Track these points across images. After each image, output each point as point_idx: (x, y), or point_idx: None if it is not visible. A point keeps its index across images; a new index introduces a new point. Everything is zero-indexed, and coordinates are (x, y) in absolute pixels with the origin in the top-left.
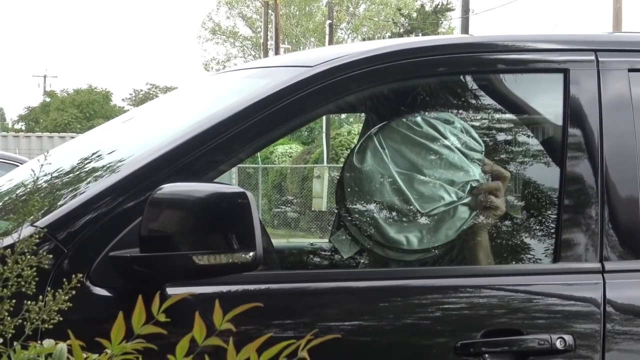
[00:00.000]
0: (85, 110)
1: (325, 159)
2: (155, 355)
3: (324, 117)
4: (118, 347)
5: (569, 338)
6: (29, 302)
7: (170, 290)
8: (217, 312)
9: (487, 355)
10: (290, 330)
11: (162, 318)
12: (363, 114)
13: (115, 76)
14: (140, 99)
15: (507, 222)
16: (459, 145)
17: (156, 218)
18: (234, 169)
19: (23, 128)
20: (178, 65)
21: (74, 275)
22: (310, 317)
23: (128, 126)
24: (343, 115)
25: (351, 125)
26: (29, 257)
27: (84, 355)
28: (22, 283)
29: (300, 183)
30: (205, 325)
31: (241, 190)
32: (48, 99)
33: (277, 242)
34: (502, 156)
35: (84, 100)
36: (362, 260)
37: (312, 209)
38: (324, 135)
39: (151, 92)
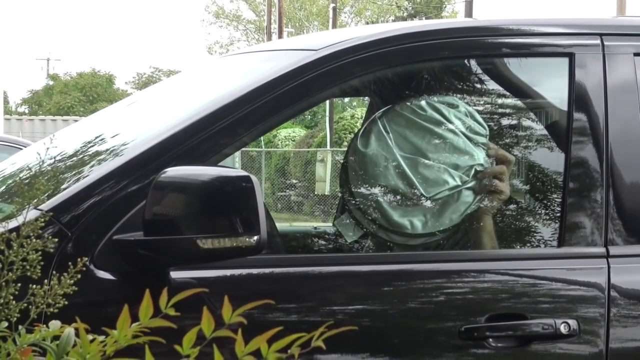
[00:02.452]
0: (88, 93)
1: (328, 143)
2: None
3: (327, 101)
4: (124, 339)
5: (573, 323)
6: (33, 286)
7: (174, 274)
8: (226, 307)
9: (491, 340)
10: (294, 314)
11: (171, 312)
12: (367, 97)
13: (119, 59)
14: (143, 82)
15: (512, 207)
16: (463, 129)
17: (160, 201)
18: (237, 153)
19: (26, 111)
20: (181, 48)
21: (79, 259)
22: (315, 301)
23: (132, 110)
24: (346, 99)
25: (354, 109)
26: (34, 240)
27: (90, 338)
28: (27, 267)
29: (304, 167)
30: (212, 312)
31: (245, 173)
32: (51, 82)
33: (281, 225)
34: (506, 140)
35: (87, 83)
36: (366, 244)
37: (315, 193)
38: (327, 119)
39: (154, 75)
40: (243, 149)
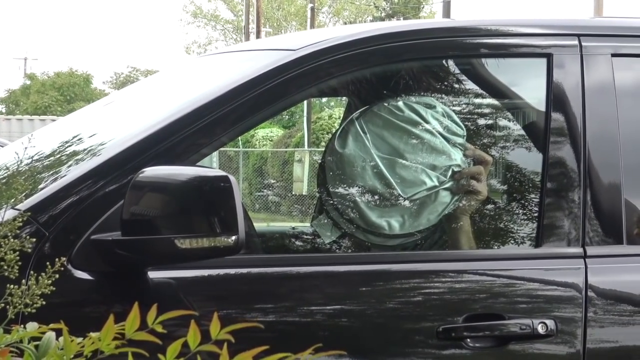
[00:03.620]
0: (65, 93)
1: (306, 143)
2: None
3: (305, 101)
4: (107, 348)
5: (550, 323)
6: (10, 286)
7: (152, 274)
8: (215, 323)
9: (469, 340)
10: (272, 314)
11: (158, 328)
12: (345, 98)
13: (96, 59)
14: (121, 82)
15: (489, 207)
16: (440, 130)
17: (138, 201)
18: (215, 153)
19: (3, 111)
20: (159, 48)
21: (57, 259)
22: (293, 301)
23: (110, 109)
24: (324, 100)
25: (332, 109)
26: (11, 240)
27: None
28: (5, 267)
29: (281, 167)
30: (193, 317)
31: (224, 173)
32: (28, 82)
33: (259, 225)
34: (484, 141)
35: (65, 83)
36: (343, 245)
37: (293, 193)
38: (305, 119)
39: (132, 75)
40: (221, 148)
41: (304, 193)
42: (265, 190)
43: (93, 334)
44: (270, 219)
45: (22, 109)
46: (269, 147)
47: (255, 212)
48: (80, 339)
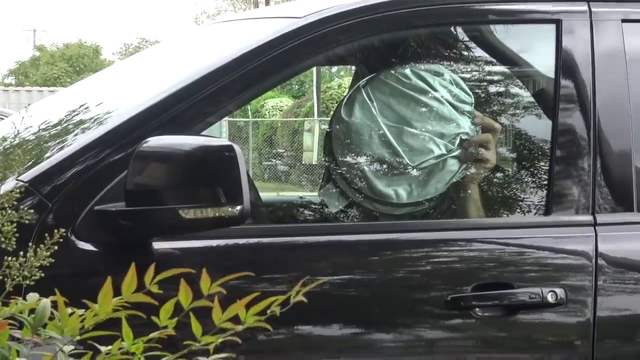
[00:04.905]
0: (75, 64)
1: (315, 113)
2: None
3: (315, 70)
4: (104, 311)
5: (560, 291)
6: (8, 258)
7: (156, 245)
8: (205, 279)
9: (477, 309)
10: (279, 284)
11: (154, 289)
12: (353, 66)
13: (106, 30)
14: (130, 52)
15: (498, 175)
16: (448, 98)
17: (142, 172)
18: (224, 123)
19: (13, 82)
20: (168, 19)
21: (55, 230)
22: (300, 271)
23: (115, 79)
24: (334, 69)
25: (342, 79)
26: (9, 211)
27: (69, 311)
28: (2, 239)
29: (291, 136)
30: (192, 283)
31: (228, 143)
32: (38, 53)
33: (267, 195)
34: (492, 108)
35: (74, 54)
36: (351, 214)
37: (303, 163)
38: (314, 88)
39: (141, 46)
40: (230, 118)
41: (313, 162)
42: (274, 160)
43: (94, 305)
44: (280, 188)
45: (32, 80)
46: (278, 117)
47: (265, 181)
48: (82, 311)
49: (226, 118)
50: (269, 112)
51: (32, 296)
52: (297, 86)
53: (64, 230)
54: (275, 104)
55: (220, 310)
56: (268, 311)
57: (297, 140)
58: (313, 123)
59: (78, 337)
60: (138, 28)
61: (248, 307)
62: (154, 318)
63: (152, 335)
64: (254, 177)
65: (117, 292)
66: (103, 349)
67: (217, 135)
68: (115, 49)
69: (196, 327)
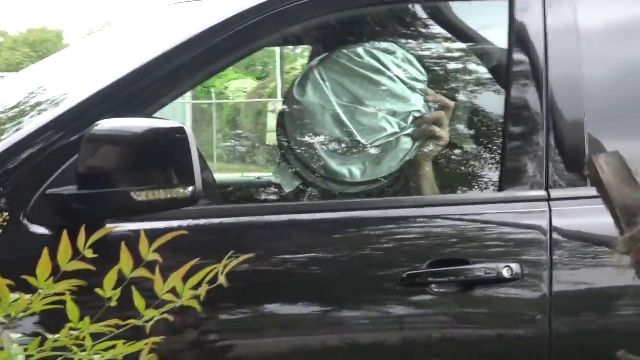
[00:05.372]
0: (38, 49)
1: (279, 94)
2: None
3: (278, 52)
4: (45, 284)
5: (516, 266)
6: None
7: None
8: (143, 243)
9: (433, 286)
10: (242, 264)
11: (89, 254)
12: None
13: (70, 15)
14: None
15: (452, 152)
16: (401, 76)
17: (93, 155)
18: (188, 106)
19: None
20: (135, 3)
21: (0, 214)
22: (255, 251)
23: (69, 61)
24: (298, 50)
25: (306, 60)
26: None
27: (16, 296)
28: None
29: (255, 118)
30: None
31: (179, 124)
32: (0, 39)
33: (227, 177)
34: (446, 85)
35: (37, 39)
36: (305, 194)
37: (267, 144)
38: (278, 69)
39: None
40: (193, 101)
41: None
42: (238, 142)
43: (33, 279)
44: (244, 170)
45: None
46: (242, 99)
47: (229, 162)
48: (29, 296)
49: (189, 101)
50: (232, 94)
51: None
52: (260, 67)
53: (7, 213)
54: (239, 85)
55: (162, 281)
56: (199, 289)
57: (261, 122)
58: (277, 104)
59: (22, 315)
60: (103, 12)
61: (185, 277)
62: (97, 290)
63: (99, 314)
64: (219, 159)
65: (70, 276)
66: (50, 336)
67: (180, 118)
68: (80, 33)
69: (138, 300)
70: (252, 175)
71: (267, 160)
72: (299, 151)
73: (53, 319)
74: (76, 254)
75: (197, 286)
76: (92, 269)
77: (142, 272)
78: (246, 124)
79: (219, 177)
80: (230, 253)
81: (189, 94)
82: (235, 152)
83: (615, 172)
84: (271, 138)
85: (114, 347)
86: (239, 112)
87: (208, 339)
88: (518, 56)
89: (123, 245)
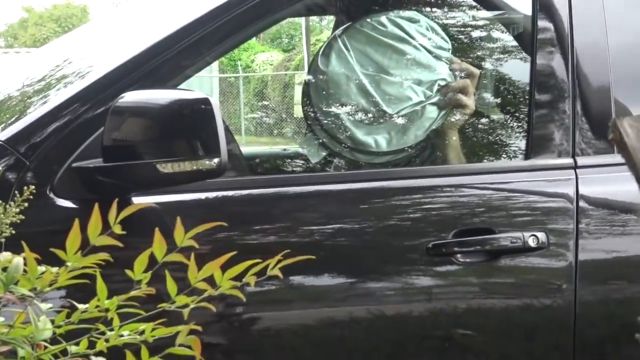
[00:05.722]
0: (63, 24)
1: (306, 65)
2: (115, 268)
3: (303, 23)
4: (74, 258)
5: (541, 235)
6: None
7: (136, 200)
8: (179, 229)
9: (459, 255)
10: (268, 235)
11: (117, 230)
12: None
13: None
14: None
15: (478, 120)
16: (425, 44)
17: (119, 127)
18: (215, 79)
19: (2, 44)
20: None
21: (25, 187)
22: (281, 221)
23: (92, 34)
24: (324, 22)
25: (331, 31)
26: None
27: (43, 269)
28: None
29: (282, 90)
30: (167, 239)
31: (204, 95)
32: (26, 15)
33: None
34: (470, 53)
35: (62, 14)
36: (331, 164)
37: (295, 116)
38: (304, 41)
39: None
40: (221, 75)
41: None
42: (266, 114)
43: (62, 253)
44: (272, 142)
45: (21, 42)
46: (269, 71)
47: (257, 136)
48: (55, 269)
49: (216, 74)
50: (259, 67)
51: (4, 255)
52: (287, 40)
53: (33, 187)
54: (265, 58)
55: (196, 268)
56: (243, 279)
57: (288, 94)
58: (303, 76)
59: (48, 289)
60: None
61: (224, 267)
62: (127, 272)
63: (132, 293)
64: (246, 132)
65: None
66: (80, 306)
67: (207, 91)
68: (103, 8)
69: (171, 284)
70: (279, 147)
71: (294, 132)
72: (325, 121)
73: (80, 293)
74: (104, 228)
75: (239, 277)
76: (119, 245)
77: (176, 257)
78: (273, 97)
79: (246, 149)
80: (285, 252)
81: (215, 68)
82: (262, 125)
83: None
84: (298, 110)
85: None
86: (266, 85)
87: (234, 312)
88: (543, 23)
89: (157, 232)
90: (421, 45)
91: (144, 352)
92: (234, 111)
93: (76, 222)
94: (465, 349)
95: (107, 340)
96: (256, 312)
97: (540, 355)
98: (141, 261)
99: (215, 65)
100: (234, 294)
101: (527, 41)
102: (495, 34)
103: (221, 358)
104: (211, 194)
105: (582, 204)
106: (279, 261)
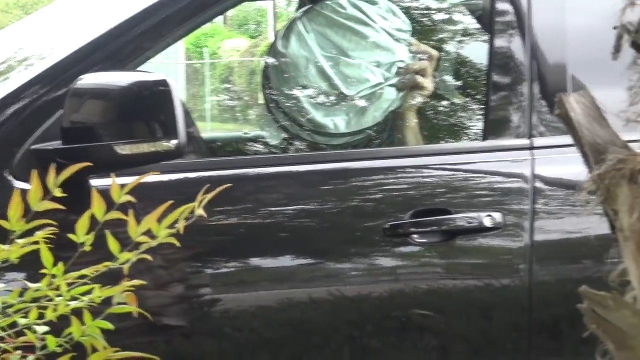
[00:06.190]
0: (30, 11)
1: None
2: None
3: (271, 8)
4: (17, 225)
5: (498, 216)
6: None
7: (95, 182)
8: (115, 187)
9: (415, 236)
10: (230, 216)
11: (58, 193)
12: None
13: None
14: None
15: (436, 102)
16: (385, 26)
17: (78, 109)
18: (182, 66)
19: None
20: None
21: None
22: (234, 204)
23: (53, 17)
24: (291, 8)
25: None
26: None
27: None
28: None
29: (249, 77)
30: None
31: (163, 77)
32: None
33: (214, 134)
34: (431, 36)
35: (29, 1)
36: (290, 146)
37: (260, 102)
38: (270, 27)
39: None
40: (187, 62)
41: None
42: (232, 100)
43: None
44: (238, 129)
45: None
46: (235, 58)
47: (223, 122)
48: (7, 246)
49: (183, 60)
50: (226, 54)
51: None
52: (254, 26)
53: None
54: (232, 45)
55: (136, 223)
56: (175, 226)
57: (254, 81)
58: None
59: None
60: None
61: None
62: (70, 236)
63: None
64: (212, 118)
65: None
66: (31, 285)
67: (172, 77)
68: None
69: (113, 243)
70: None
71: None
72: (284, 104)
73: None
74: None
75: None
76: (61, 208)
77: (114, 215)
78: (240, 84)
79: (209, 135)
80: (205, 187)
81: (182, 54)
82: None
83: (586, 111)
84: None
85: (90, 292)
86: (232, 72)
87: (195, 293)
88: (501, 5)
89: (94, 191)
90: (381, 27)
91: (87, 316)
92: (200, 97)
93: (17, 192)
94: (424, 330)
95: (56, 310)
96: (216, 294)
97: (497, 335)
98: (82, 224)
99: (182, 51)
100: (169, 242)
101: (486, 23)
102: (455, 16)
103: (181, 340)
104: (172, 176)
105: (538, 184)
106: (202, 200)
